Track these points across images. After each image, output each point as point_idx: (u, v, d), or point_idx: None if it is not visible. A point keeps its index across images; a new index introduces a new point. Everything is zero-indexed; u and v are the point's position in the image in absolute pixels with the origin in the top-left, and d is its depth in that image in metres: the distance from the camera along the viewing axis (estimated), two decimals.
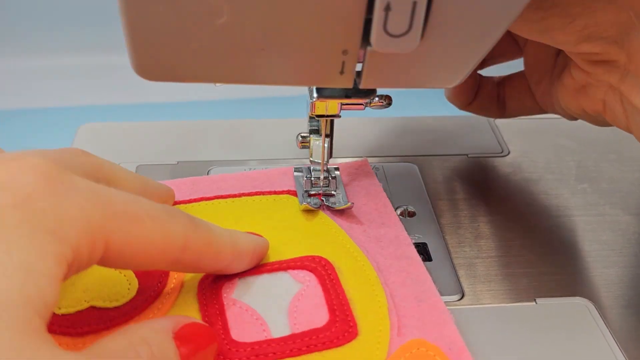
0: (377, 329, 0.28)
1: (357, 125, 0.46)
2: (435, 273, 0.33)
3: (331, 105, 0.32)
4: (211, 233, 0.27)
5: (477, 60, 0.26)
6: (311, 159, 0.35)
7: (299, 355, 0.27)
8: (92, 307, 0.28)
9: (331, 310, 0.29)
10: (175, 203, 0.34)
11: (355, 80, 0.26)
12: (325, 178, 0.35)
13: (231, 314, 0.28)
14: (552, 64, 0.36)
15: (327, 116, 0.33)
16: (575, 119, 0.37)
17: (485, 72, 0.39)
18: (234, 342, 0.27)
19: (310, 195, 0.35)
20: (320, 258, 0.31)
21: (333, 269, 0.31)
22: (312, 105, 0.32)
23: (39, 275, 0.20)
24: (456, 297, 0.32)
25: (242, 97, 1.45)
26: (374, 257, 0.32)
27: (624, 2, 0.29)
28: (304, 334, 0.28)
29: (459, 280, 0.33)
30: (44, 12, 1.41)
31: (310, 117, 0.35)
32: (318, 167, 0.35)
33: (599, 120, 0.35)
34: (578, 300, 0.32)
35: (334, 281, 0.30)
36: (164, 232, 0.25)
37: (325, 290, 0.30)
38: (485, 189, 0.40)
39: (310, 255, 0.31)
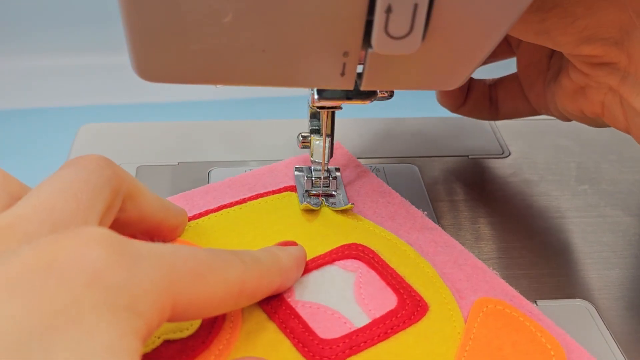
0: (442, 297, 0.29)
1: (358, 126, 0.46)
2: None
3: None
4: (260, 266, 0.27)
5: (478, 62, 0.25)
6: (312, 159, 0.35)
7: (386, 339, 0.28)
8: (167, 341, 0.27)
9: (395, 290, 0.30)
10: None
11: (356, 82, 0.26)
12: (325, 178, 0.35)
13: (306, 315, 0.29)
14: (546, 66, 0.36)
15: (329, 108, 0.33)
16: (570, 120, 0.37)
17: (479, 74, 0.39)
18: (326, 341, 0.27)
19: (310, 195, 0.35)
20: (357, 244, 0.32)
21: (374, 252, 0.31)
22: (313, 97, 0.31)
23: (124, 357, 0.19)
24: None
25: (242, 98, 1.46)
26: (397, 233, 0.33)
27: (626, 1, 0.29)
28: (384, 318, 0.28)
29: None
30: (44, 12, 1.41)
31: (311, 117, 0.35)
32: (319, 167, 0.35)
33: (597, 122, 0.35)
34: (578, 302, 0.32)
35: (380, 263, 0.31)
36: (223, 283, 0.24)
37: (380, 273, 0.30)
38: (486, 190, 0.40)
39: (346, 243, 0.32)
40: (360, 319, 0.28)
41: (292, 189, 0.36)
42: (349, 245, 0.32)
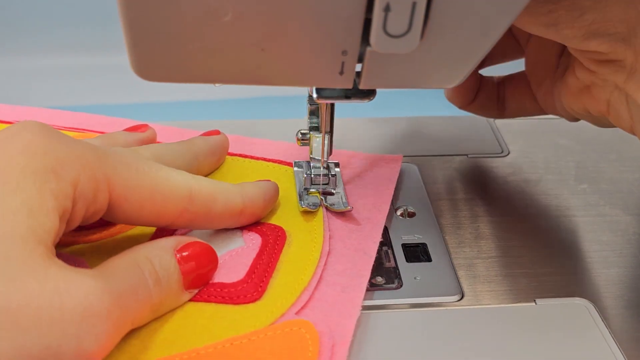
0: (279, 301, 0.29)
1: (358, 126, 0.46)
2: (435, 273, 0.33)
3: None
4: (215, 184, 0.30)
5: (476, 60, 0.25)
6: (311, 156, 0.35)
7: (196, 301, 0.29)
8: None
9: (250, 272, 0.30)
10: None
11: (355, 81, 0.26)
12: (324, 175, 0.35)
13: None
14: (555, 65, 0.36)
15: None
16: (577, 119, 0.36)
17: (485, 71, 0.39)
18: None
19: (309, 194, 0.35)
20: (280, 228, 0.33)
21: (284, 240, 0.32)
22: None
23: (39, 211, 0.23)
24: (456, 297, 0.32)
25: (242, 97, 1.45)
26: (336, 243, 0.33)
27: None
28: (210, 284, 0.29)
29: (458, 280, 0.33)
30: (44, 12, 1.40)
31: (310, 114, 0.35)
32: (318, 164, 0.35)
33: (602, 122, 0.35)
34: (578, 300, 0.32)
35: (275, 250, 0.32)
36: (166, 181, 0.28)
37: (259, 255, 0.31)
38: (485, 189, 0.40)
39: (275, 223, 0.33)
40: None
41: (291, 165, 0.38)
42: (275, 226, 0.33)
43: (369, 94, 0.30)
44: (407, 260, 0.33)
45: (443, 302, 0.31)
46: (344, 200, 0.35)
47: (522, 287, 0.32)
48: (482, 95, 0.39)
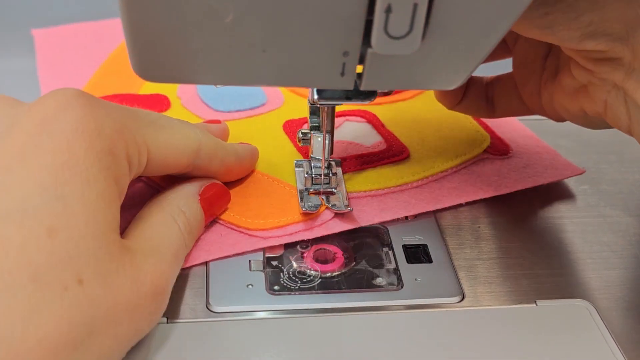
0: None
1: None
2: (436, 275, 0.33)
3: None
4: (215, 140, 0.33)
5: (478, 61, 0.26)
6: (312, 155, 0.35)
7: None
8: None
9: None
10: None
11: (355, 82, 0.26)
12: (325, 175, 0.35)
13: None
14: (540, 66, 0.36)
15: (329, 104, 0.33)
16: (564, 120, 0.36)
17: (476, 72, 0.39)
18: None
19: (310, 194, 0.35)
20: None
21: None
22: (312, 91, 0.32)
23: (111, 201, 0.25)
24: (457, 299, 0.32)
25: None
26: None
27: None
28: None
29: (459, 282, 0.33)
30: (44, 11, 1.40)
31: (311, 114, 0.35)
32: (319, 164, 0.35)
33: (596, 123, 0.34)
34: (578, 302, 0.32)
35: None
36: (182, 136, 0.30)
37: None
38: None
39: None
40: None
41: None
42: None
43: (370, 95, 0.30)
44: (407, 262, 0.33)
45: (444, 303, 0.31)
46: (345, 202, 0.35)
47: (523, 289, 0.32)
48: (470, 96, 0.39)
